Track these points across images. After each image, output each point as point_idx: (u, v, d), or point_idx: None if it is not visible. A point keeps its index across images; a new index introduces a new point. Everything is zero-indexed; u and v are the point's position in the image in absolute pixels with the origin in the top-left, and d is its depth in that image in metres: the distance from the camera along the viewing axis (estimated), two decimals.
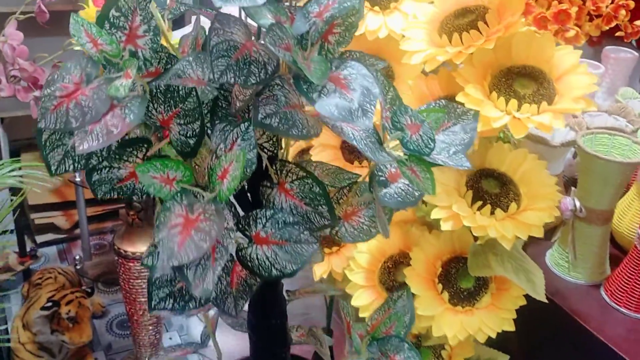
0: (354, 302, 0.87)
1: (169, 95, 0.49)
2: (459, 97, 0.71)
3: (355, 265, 0.90)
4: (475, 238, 0.82)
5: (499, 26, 0.72)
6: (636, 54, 1.16)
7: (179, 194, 0.47)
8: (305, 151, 1.04)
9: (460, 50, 0.72)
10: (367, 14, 0.86)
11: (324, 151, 0.97)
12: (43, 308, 1.26)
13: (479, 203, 0.75)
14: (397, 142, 0.57)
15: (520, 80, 0.73)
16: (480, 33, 0.73)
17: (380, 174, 0.63)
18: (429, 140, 0.53)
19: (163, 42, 0.60)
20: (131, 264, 1.25)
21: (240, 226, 0.54)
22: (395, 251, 0.91)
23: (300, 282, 1.02)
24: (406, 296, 0.73)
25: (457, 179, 0.78)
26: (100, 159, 0.48)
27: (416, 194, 0.63)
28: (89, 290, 1.37)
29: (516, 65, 0.75)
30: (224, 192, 0.48)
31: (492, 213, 0.75)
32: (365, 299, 0.88)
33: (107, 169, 0.51)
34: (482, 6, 0.76)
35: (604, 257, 0.93)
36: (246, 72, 0.47)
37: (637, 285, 0.85)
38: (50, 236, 1.82)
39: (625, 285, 0.86)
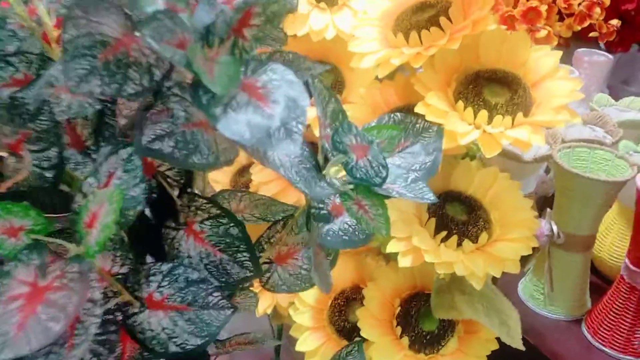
0: (299, 347, 0.74)
1: (13, 111, 0.35)
2: (419, 108, 0.59)
3: (300, 303, 0.76)
4: None
5: (464, 22, 0.60)
6: (610, 57, 1.06)
7: (25, 251, 0.33)
8: (245, 169, 0.91)
9: (419, 51, 0.60)
10: (312, 12, 0.74)
11: (265, 169, 0.83)
12: None
13: (444, 233, 0.62)
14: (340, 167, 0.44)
15: (490, 86, 0.61)
16: (443, 31, 0.60)
17: (320, 205, 0.50)
18: (380, 168, 0.40)
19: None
20: None
21: (129, 284, 0.40)
22: (348, 285, 0.78)
23: (239, 320, 0.89)
24: (357, 351, 0.60)
25: (417, 204, 0.66)
26: None
27: (367, 231, 0.51)
28: None
29: (485, 69, 0.63)
30: (92, 247, 0.34)
31: (459, 244, 0.63)
32: (311, 343, 0.75)
33: None
34: None
35: (584, 289, 0.82)
36: (120, 78, 0.33)
37: (624, 322, 0.74)
38: None
39: (611, 322, 0.75)
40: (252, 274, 0.42)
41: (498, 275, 0.61)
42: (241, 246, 0.42)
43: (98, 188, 0.36)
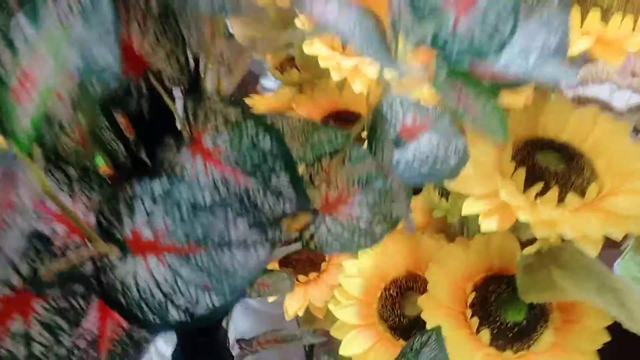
0: (344, 351, 0.59)
1: None
2: None
3: (342, 296, 0.61)
4: (524, 245, 0.55)
5: None
6: None
7: None
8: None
9: None
10: None
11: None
12: None
13: (540, 185, 0.47)
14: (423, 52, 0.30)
15: None
16: None
17: (386, 126, 0.35)
18: (498, 23, 0.25)
19: None
20: None
21: (102, 220, 0.25)
22: (401, 273, 0.62)
23: (263, 321, 0.74)
24: (436, 340, 0.44)
25: (497, 152, 0.51)
26: None
27: (452, 161, 0.35)
28: None
29: None
30: (23, 128, 0.19)
31: (561, 200, 0.47)
32: (359, 344, 0.59)
33: None
34: None
35: None
36: None
37: None
38: None
39: None
40: (296, 204, 0.27)
41: (620, 236, 0.45)
42: (276, 165, 0.27)
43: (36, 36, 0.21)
